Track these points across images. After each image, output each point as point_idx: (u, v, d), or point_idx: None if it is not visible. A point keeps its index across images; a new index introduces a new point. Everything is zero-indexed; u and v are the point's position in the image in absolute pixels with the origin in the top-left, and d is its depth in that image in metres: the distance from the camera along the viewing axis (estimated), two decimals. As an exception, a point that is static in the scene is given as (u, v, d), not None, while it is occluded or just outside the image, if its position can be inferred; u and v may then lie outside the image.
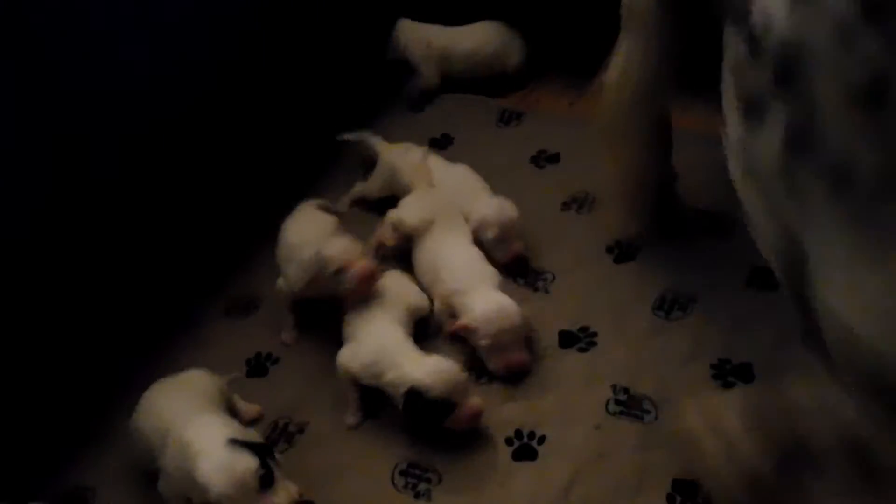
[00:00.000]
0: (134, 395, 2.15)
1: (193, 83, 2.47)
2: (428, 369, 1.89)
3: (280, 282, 2.23)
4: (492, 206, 2.28)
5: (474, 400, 1.91)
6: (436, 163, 2.49)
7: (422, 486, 1.89)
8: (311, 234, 2.20)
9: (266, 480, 1.69)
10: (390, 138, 2.77)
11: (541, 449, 1.91)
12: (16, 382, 2.12)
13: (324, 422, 2.05)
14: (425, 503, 1.86)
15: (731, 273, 2.17)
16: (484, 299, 2.05)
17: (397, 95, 2.95)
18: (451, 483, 1.89)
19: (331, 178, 2.68)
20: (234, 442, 1.71)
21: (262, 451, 1.73)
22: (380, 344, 1.98)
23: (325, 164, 2.74)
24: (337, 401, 2.07)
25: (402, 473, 1.92)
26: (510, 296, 2.10)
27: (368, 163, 2.60)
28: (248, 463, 1.68)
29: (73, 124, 2.17)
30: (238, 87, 2.60)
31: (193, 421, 1.79)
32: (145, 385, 2.15)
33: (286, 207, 2.42)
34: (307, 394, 2.11)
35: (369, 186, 2.56)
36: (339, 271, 2.03)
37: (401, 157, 2.49)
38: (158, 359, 2.23)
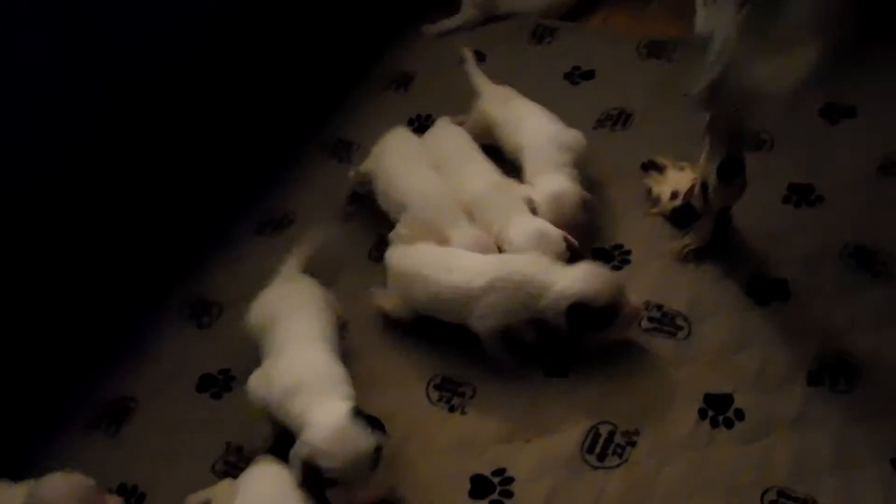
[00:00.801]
0: (172, 311, 2.22)
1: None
2: (583, 277, 1.85)
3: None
4: (552, 195, 2.10)
5: (631, 299, 1.88)
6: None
7: (455, 400, 1.92)
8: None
9: (376, 461, 1.63)
10: (421, 58, 2.76)
11: (572, 366, 1.93)
12: (55, 294, 2.17)
13: (360, 335, 2.07)
14: (459, 416, 1.89)
15: (768, 189, 2.15)
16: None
17: (427, 13, 2.90)
18: (484, 398, 1.92)
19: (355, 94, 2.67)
20: (358, 414, 1.65)
21: (378, 427, 1.66)
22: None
23: (350, 80, 2.73)
24: (372, 316, 2.09)
25: (437, 387, 1.95)
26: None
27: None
28: (368, 442, 1.62)
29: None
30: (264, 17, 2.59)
31: (304, 348, 1.81)
32: (183, 302, 2.22)
33: (313, 127, 2.41)
34: (344, 309, 2.13)
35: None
36: None
37: (499, 108, 2.33)
38: (193, 273, 2.29)
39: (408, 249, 2.01)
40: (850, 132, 2.25)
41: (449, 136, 2.31)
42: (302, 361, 1.79)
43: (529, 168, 2.17)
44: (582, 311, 1.82)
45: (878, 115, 2.27)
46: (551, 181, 2.10)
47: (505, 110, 2.30)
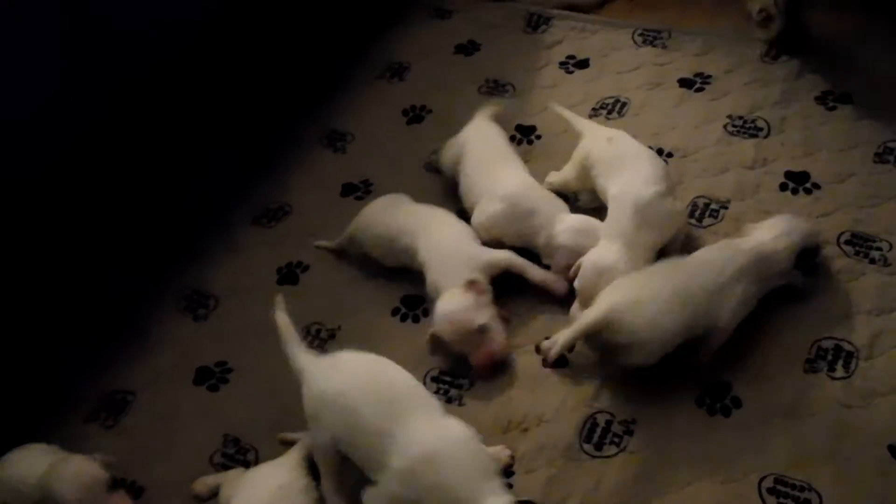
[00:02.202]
0: (168, 303, 2.21)
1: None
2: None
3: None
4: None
5: None
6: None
7: (453, 392, 1.92)
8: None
9: None
10: (416, 47, 2.75)
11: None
12: (52, 286, 2.17)
13: (354, 327, 2.07)
14: (457, 407, 1.89)
15: (765, 177, 2.15)
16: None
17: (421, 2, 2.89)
18: (481, 389, 1.91)
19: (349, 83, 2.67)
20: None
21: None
22: None
23: (345, 69, 2.73)
24: (367, 307, 2.09)
25: (434, 379, 1.95)
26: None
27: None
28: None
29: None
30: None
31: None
32: (179, 293, 2.21)
33: (308, 117, 2.40)
34: (339, 300, 2.13)
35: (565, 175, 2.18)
36: None
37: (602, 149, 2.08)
38: (189, 265, 2.28)
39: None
40: (846, 119, 2.25)
41: (486, 134, 2.23)
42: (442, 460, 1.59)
43: (605, 226, 1.96)
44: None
45: (873, 103, 2.26)
46: (597, 251, 1.91)
47: (609, 151, 2.05)
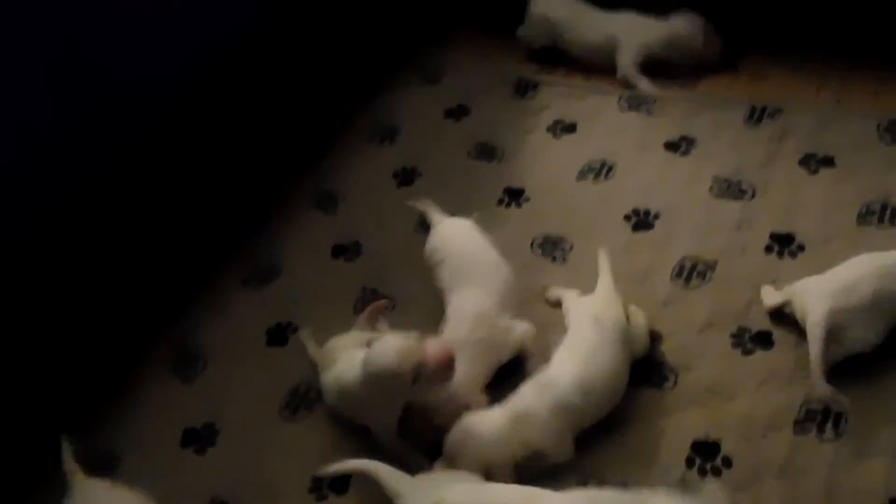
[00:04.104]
0: (157, 364, 2.20)
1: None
2: None
3: None
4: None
5: None
6: None
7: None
8: None
9: None
10: (407, 110, 2.79)
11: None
12: (40, 345, 2.16)
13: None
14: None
15: (750, 239, 2.18)
16: None
17: (413, 65, 2.95)
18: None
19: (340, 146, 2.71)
20: None
21: None
22: None
23: (336, 132, 2.77)
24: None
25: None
26: (531, 266, 2.20)
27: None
28: None
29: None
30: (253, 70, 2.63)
31: None
32: (167, 355, 2.21)
33: (299, 179, 2.42)
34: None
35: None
36: None
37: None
38: (178, 326, 2.28)
39: None
40: (829, 181, 2.28)
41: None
42: None
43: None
44: None
45: (855, 165, 2.31)
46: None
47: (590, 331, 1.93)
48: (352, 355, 1.90)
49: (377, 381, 1.78)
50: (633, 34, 2.69)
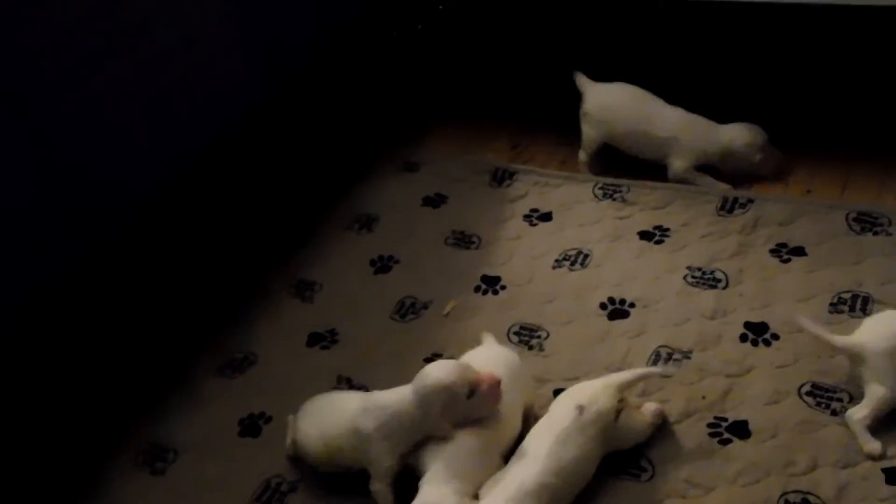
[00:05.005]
0: (126, 456, 2.16)
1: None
2: None
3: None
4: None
5: None
6: None
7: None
8: None
9: None
10: (384, 199, 2.82)
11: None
12: (8, 438, 2.11)
13: (315, 481, 2.03)
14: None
15: (725, 328, 2.19)
16: None
17: (392, 155, 2.99)
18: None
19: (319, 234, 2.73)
20: None
21: None
22: None
23: (315, 220, 2.79)
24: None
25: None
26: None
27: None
28: None
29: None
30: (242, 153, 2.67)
31: None
32: (138, 447, 2.17)
33: (277, 267, 2.42)
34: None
35: None
36: None
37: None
38: (149, 417, 2.25)
39: None
40: (800, 271, 2.31)
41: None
42: None
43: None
44: None
45: (825, 255, 2.34)
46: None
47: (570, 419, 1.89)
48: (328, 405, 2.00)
49: (434, 394, 1.86)
50: (696, 138, 2.64)
